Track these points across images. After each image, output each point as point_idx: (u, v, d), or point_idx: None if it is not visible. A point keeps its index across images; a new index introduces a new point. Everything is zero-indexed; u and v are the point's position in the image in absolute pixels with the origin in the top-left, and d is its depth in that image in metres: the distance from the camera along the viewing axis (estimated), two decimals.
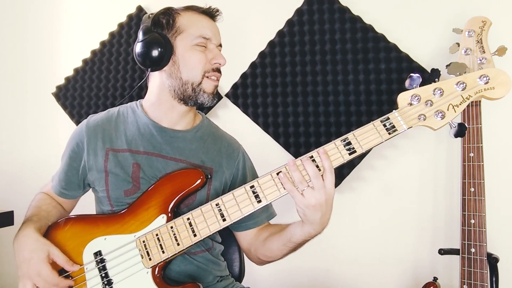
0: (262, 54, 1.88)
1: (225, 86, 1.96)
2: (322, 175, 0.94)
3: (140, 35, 1.13)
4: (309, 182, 0.94)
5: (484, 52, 1.38)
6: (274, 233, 1.14)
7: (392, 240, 1.72)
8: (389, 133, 0.96)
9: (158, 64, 1.11)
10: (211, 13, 1.18)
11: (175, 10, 1.15)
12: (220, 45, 1.19)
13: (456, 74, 0.97)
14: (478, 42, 1.39)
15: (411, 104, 0.97)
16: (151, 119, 1.18)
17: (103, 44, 2.19)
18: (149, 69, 1.14)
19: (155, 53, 1.10)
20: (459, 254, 1.41)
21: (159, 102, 1.17)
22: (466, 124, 0.96)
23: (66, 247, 1.09)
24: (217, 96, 1.19)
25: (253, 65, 1.90)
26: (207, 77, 1.13)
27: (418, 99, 0.96)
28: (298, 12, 1.82)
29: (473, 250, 1.37)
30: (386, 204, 1.73)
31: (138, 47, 1.12)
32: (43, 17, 2.38)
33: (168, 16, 1.13)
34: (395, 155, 1.71)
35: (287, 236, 1.06)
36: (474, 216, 1.38)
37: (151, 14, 1.15)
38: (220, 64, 1.15)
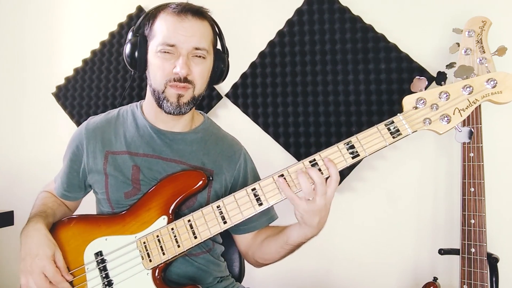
0: (262, 54, 1.88)
1: (225, 86, 1.96)
2: (326, 180, 0.93)
3: (128, 36, 1.14)
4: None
5: (484, 52, 1.38)
6: (271, 236, 1.13)
7: (392, 240, 1.72)
8: (393, 137, 0.95)
9: (136, 67, 1.12)
10: (191, 11, 1.06)
11: (158, 11, 1.10)
12: (198, 48, 1.06)
13: (462, 77, 0.95)
14: (478, 42, 1.39)
15: (416, 108, 0.95)
16: (148, 121, 1.17)
17: (103, 44, 2.19)
18: (132, 71, 1.15)
19: (133, 56, 1.10)
20: (459, 254, 1.41)
21: (150, 104, 1.16)
22: (471, 129, 0.94)
23: (68, 247, 1.09)
24: (189, 105, 1.10)
25: (253, 65, 1.90)
26: (170, 86, 1.06)
27: (423, 102, 0.95)
28: (298, 12, 1.82)
29: (473, 250, 1.37)
30: (386, 204, 1.73)
31: (125, 48, 1.13)
32: (43, 17, 2.38)
33: (150, 17, 1.11)
34: (395, 156, 1.71)
35: (283, 238, 1.06)
36: (474, 216, 1.38)
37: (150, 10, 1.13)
38: (178, 74, 1.04)
